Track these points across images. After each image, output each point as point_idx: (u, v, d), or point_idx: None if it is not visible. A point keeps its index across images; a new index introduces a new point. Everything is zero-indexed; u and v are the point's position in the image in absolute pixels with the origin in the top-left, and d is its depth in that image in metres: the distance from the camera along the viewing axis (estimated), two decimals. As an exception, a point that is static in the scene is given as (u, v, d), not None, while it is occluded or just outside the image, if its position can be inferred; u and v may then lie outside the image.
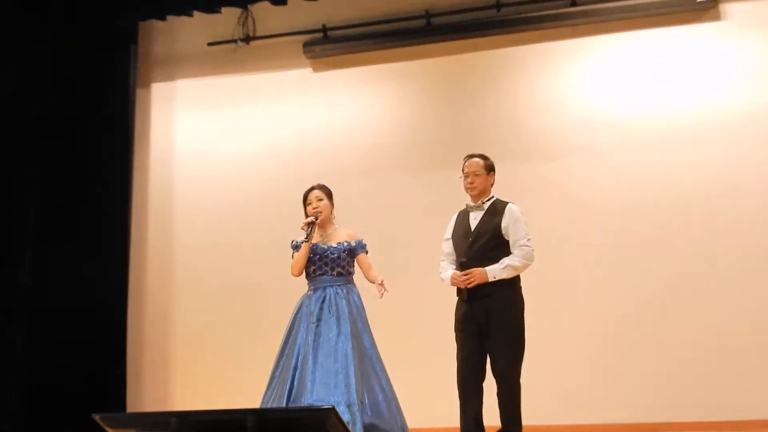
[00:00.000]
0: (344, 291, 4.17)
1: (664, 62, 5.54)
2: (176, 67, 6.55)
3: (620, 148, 5.46)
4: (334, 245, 4.22)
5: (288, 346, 4.17)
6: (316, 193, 4.29)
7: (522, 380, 3.90)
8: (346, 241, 4.23)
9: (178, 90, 6.54)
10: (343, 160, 5.98)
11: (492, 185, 4.11)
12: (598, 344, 5.30)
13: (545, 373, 4.94)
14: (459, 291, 4.02)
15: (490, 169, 4.09)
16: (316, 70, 6.21)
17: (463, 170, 4.08)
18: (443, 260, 4.13)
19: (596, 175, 5.49)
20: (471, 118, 5.79)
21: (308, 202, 4.30)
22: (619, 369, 5.26)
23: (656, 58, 5.55)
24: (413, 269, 5.12)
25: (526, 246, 3.90)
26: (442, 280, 4.05)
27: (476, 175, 4.03)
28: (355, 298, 4.21)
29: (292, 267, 4.21)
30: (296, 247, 4.23)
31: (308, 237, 4.14)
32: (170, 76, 6.56)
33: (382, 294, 3.98)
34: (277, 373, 4.15)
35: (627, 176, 5.44)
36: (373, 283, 4.10)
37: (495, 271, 3.86)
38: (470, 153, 4.14)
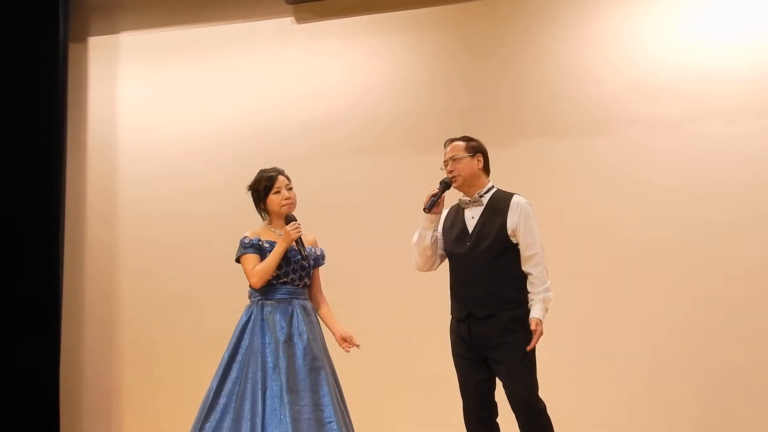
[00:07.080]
0: (309, 307, 3.83)
1: (747, 12, 5.00)
2: (119, 16, 6.23)
3: (687, 120, 5.07)
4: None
5: (236, 365, 3.71)
6: (285, 179, 3.88)
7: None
8: (313, 248, 3.92)
9: (122, 45, 6.21)
10: (334, 135, 5.65)
11: (482, 171, 3.74)
12: (656, 356, 4.99)
13: (596, 390, 4.92)
14: (455, 309, 3.71)
15: (475, 151, 3.72)
16: (299, 19, 5.90)
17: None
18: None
19: (655, 153, 5.13)
20: (496, 81, 5.45)
21: (276, 189, 3.86)
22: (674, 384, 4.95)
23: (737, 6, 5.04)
24: (425, 274, 4.49)
25: (542, 264, 3.58)
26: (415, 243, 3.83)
27: (455, 161, 3.67)
28: (315, 318, 3.87)
29: (254, 275, 3.74)
30: (253, 247, 3.79)
31: (303, 251, 3.79)
32: (112, 28, 6.23)
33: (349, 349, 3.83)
34: (221, 401, 3.65)
35: (697, 154, 5.05)
36: (332, 328, 3.87)
37: (541, 314, 3.60)
38: (451, 137, 3.83)
